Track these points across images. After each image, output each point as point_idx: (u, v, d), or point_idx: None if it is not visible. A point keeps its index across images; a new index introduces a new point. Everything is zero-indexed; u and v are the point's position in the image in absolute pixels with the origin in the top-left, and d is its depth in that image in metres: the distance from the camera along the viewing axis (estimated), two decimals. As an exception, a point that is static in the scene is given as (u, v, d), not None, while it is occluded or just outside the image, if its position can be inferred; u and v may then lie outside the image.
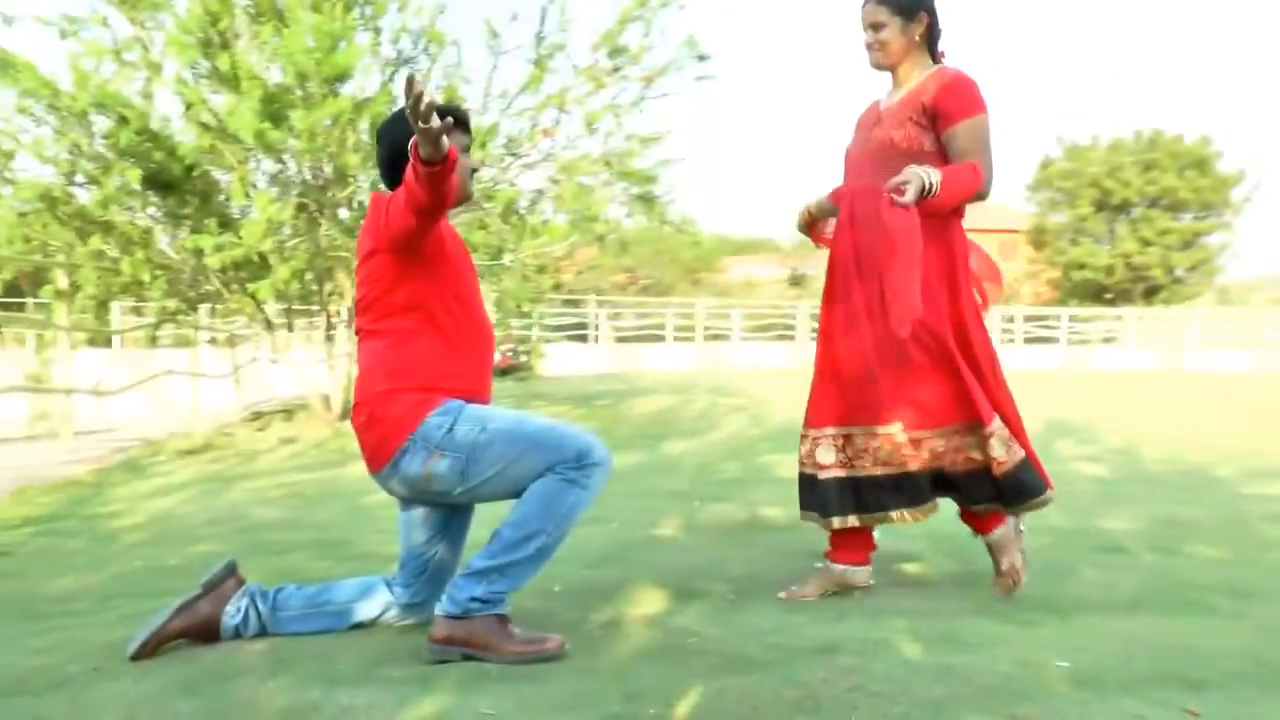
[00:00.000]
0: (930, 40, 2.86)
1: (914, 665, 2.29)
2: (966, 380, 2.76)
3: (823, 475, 2.88)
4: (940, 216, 2.76)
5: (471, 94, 8.86)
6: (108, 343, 10.89)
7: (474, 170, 2.68)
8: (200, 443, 6.97)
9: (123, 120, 6.37)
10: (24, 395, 7.49)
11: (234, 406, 9.57)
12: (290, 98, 6.34)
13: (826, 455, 2.88)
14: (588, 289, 29.75)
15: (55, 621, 2.87)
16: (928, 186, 2.61)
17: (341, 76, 6.40)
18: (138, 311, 8.74)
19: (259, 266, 6.81)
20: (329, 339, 9.12)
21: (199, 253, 6.52)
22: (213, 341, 10.04)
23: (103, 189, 6.30)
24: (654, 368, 20.04)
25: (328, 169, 6.99)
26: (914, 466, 2.80)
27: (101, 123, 6.48)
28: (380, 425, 2.47)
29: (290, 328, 8.81)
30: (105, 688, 2.25)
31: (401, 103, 2.21)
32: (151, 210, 6.94)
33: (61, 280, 7.14)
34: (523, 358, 15.12)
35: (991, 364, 2.86)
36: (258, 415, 8.73)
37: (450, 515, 2.68)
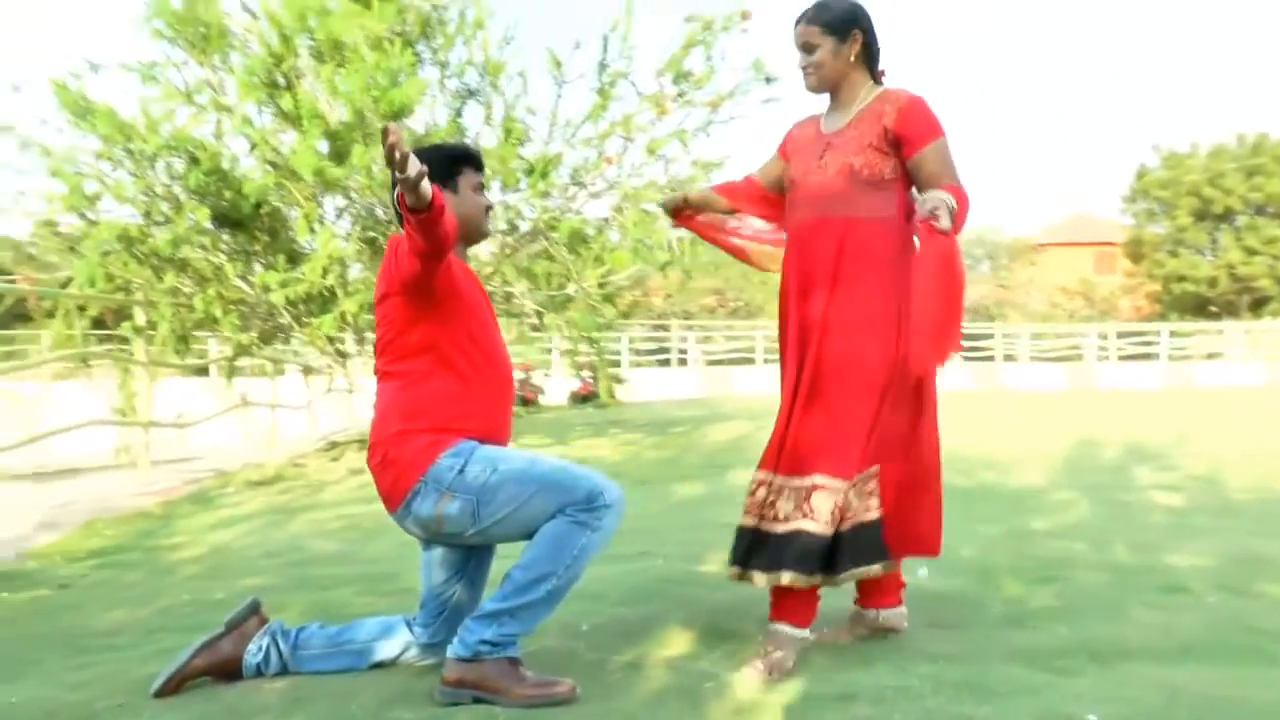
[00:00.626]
0: (868, 59, 2.73)
1: (932, 715, 2.20)
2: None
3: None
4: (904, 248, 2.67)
5: (537, 124, 8.96)
6: (205, 371, 11.24)
7: (488, 208, 2.69)
8: (271, 474, 7.13)
9: (194, 161, 6.59)
10: (111, 426, 7.80)
11: (311, 437, 9.78)
12: (351, 135, 6.49)
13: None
14: (677, 312, 29.83)
15: (97, 655, 2.94)
16: (953, 212, 2.52)
17: (400, 112, 6.52)
18: (230, 343, 9.03)
19: (325, 300, 6.96)
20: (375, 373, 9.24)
21: (267, 288, 6.70)
22: (305, 371, 10.28)
23: (174, 228, 6.52)
24: (743, 391, 19.88)
25: (381, 208, 7.13)
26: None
27: (174, 163, 6.71)
28: (394, 466, 2.48)
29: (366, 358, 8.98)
30: (126, 726, 2.29)
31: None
32: (223, 247, 7.15)
33: (140, 316, 7.41)
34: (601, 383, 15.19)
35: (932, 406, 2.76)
36: (333, 445, 8.91)
37: (468, 556, 2.68)
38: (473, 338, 2.54)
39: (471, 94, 8.52)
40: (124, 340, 7.66)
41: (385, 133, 1.98)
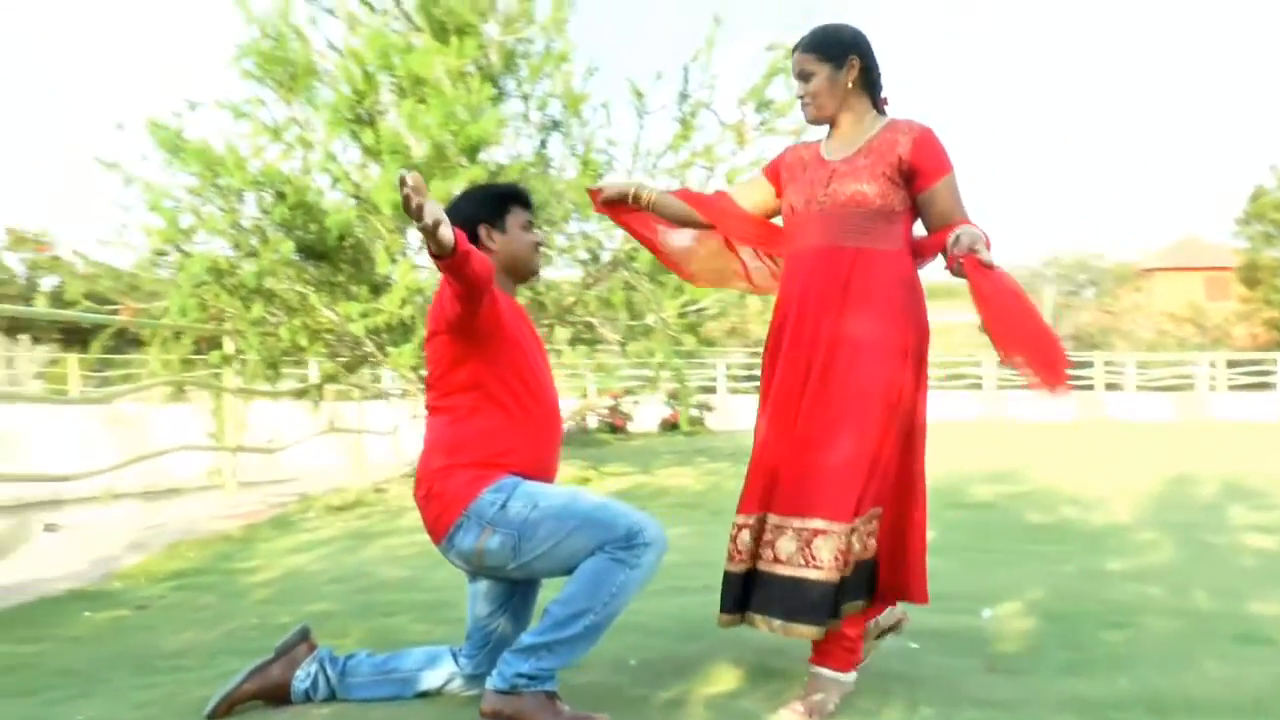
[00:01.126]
0: (868, 86, 2.64)
1: (969, 765, 2.14)
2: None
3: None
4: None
5: (620, 154, 9.05)
6: (305, 394, 11.60)
7: (538, 245, 2.72)
8: (352, 499, 7.31)
9: (280, 196, 6.84)
10: (207, 449, 8.11)
11: (396, 462, 9.99)
12: (431, 169, 6.65)
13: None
14: None
15: (162, 676, 3.04)
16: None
17: (479, 146, 6.67)
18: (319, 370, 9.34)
19: (406, 329, 7.13)
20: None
21: (349, 318, 6.90)
22: (403, 395, 10.52)
23: (259, 261, 6.77)
24: None
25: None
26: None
27: (263, 197, 6.97)
28: (437, 501, 2.53)
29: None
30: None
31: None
32: (308, 278, 7.38)
33: (229, 345, 7.70)
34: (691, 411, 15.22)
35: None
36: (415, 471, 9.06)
37: (512, 589, 2.70)
38: (519, 375, 2.56)
39: (555, 126, 8.66)
40: (217, 367, 7.96)
41: (402, 182, 2.03)
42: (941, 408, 21.48)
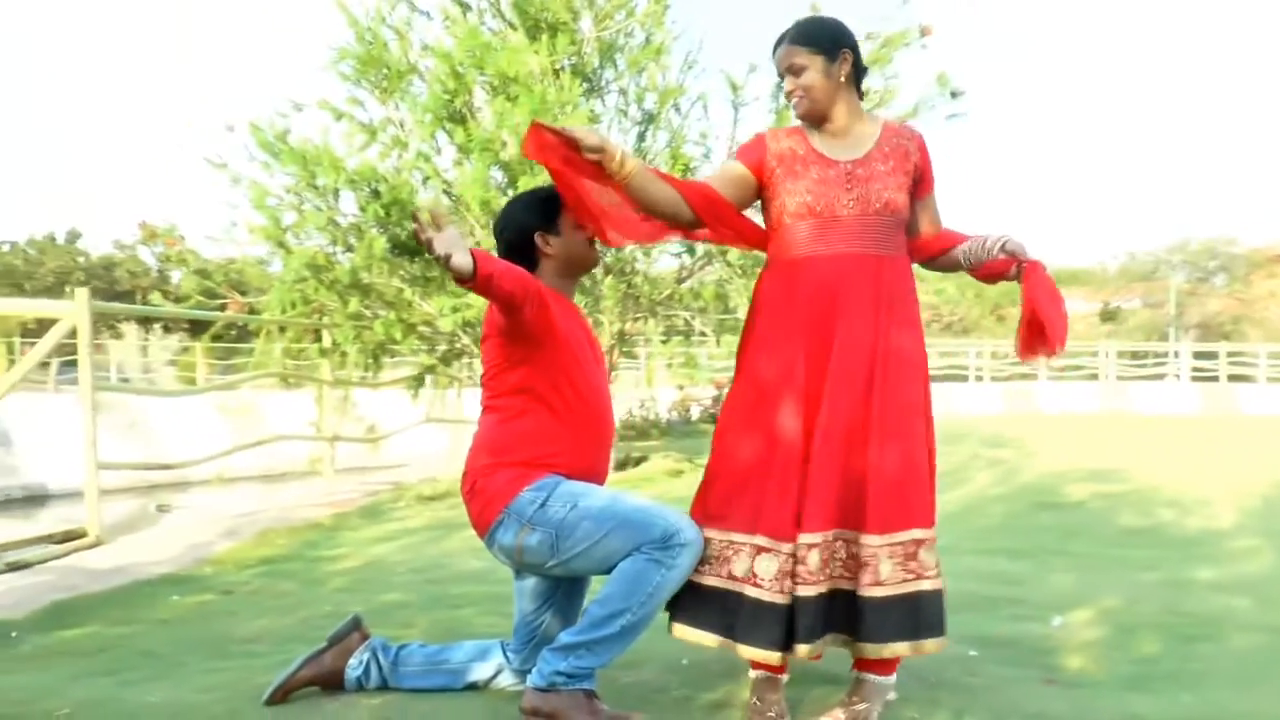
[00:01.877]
0: (858, 81, 2.53)
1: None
2: None
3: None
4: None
5: (717, 148, 9.01)
6: (413, 383, 11.92)
7: (591, 239, 2.72)
8: (443, 489, 7.48)
9: (375, 194, 7.04)
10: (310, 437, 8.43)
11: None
12: (520, 166, 6.75)
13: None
14: None
15: (233, 661, 3.18)
16: None
17: (567, 144, 6.72)
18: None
19: (495, 324, 7.26)
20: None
21: (441, 313, 7.07)
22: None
23: (354, 257, 6.99)
24: (954, 410, 19.24)
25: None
26: None
27: (358, 195, 7.20)
28: (480, 496, 2.58)
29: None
30: (231, 733, 2.49)
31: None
32: (403, 274, 7.59)
33: (327, 338, 7.98)
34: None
35: None
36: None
37: (556, 586, 2.74)
38: (569, 379, 2.59)
39: (651, 119, 8.67)
40: (318, 359, 8.25)
41: (413, 218, 2.09)
42: (1058, 400, 20.95)
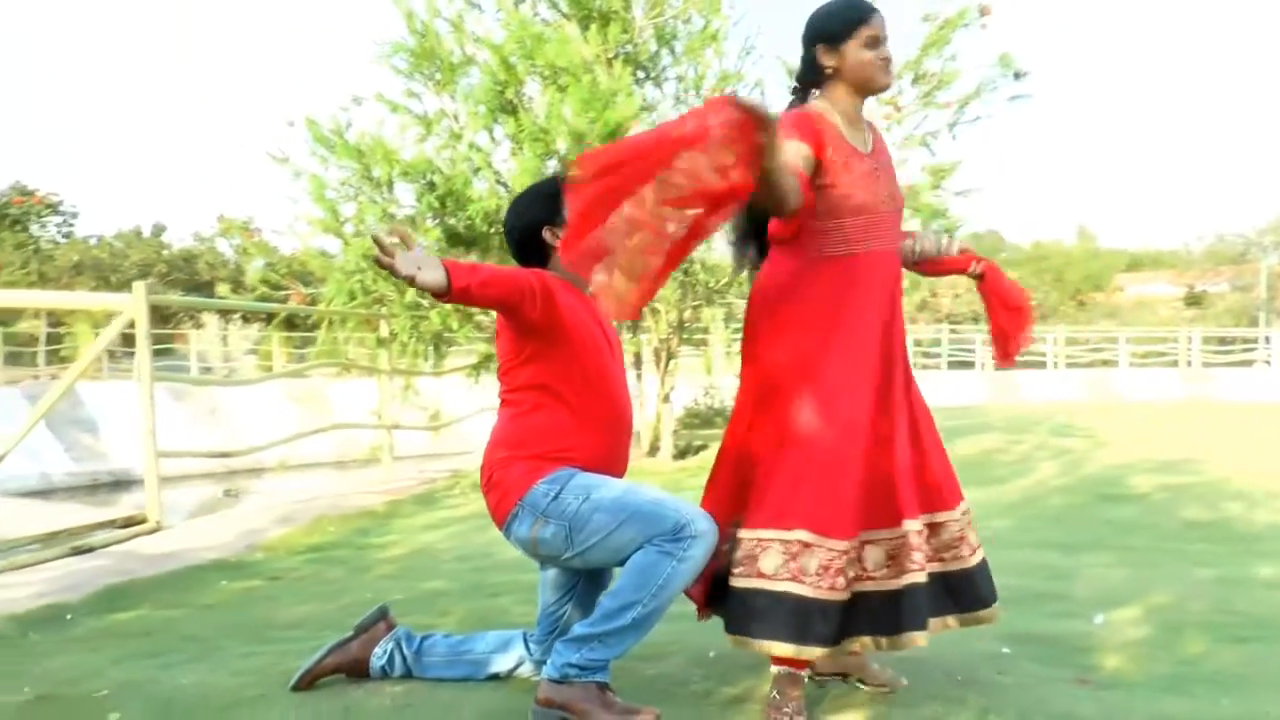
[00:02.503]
0: None
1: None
2: None
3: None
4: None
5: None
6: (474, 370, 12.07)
7: None
8: (498, 476, 7.54)
9: (430, 185, 7.12)
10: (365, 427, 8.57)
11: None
12: (571, 156, 6.76)
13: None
14: (966, 314, 28.98)
15: (269, 646, 3.25)
16: None
17: (617, 131, 6.72)
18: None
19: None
20: (638, 378, 9.55)
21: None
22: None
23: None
24: (1032, 398, 18.85)
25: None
26: None
27: (416, 187, 7.29)
28: (497, 490, 2.60)
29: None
30: (254, 715, 2.55)
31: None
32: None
33: (384, 328, 8.10)
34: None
35: None
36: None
37: (577, 577, 2.75)
38: (583, 374, 2.58)
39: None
40: (376, 348, 8.39)
41: (375, 241, 2.10)
42: (1140, 387, 20.37)
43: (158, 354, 21.80)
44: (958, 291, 28.61)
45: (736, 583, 2.40)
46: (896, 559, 2.39)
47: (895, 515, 2.40)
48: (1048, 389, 20.21)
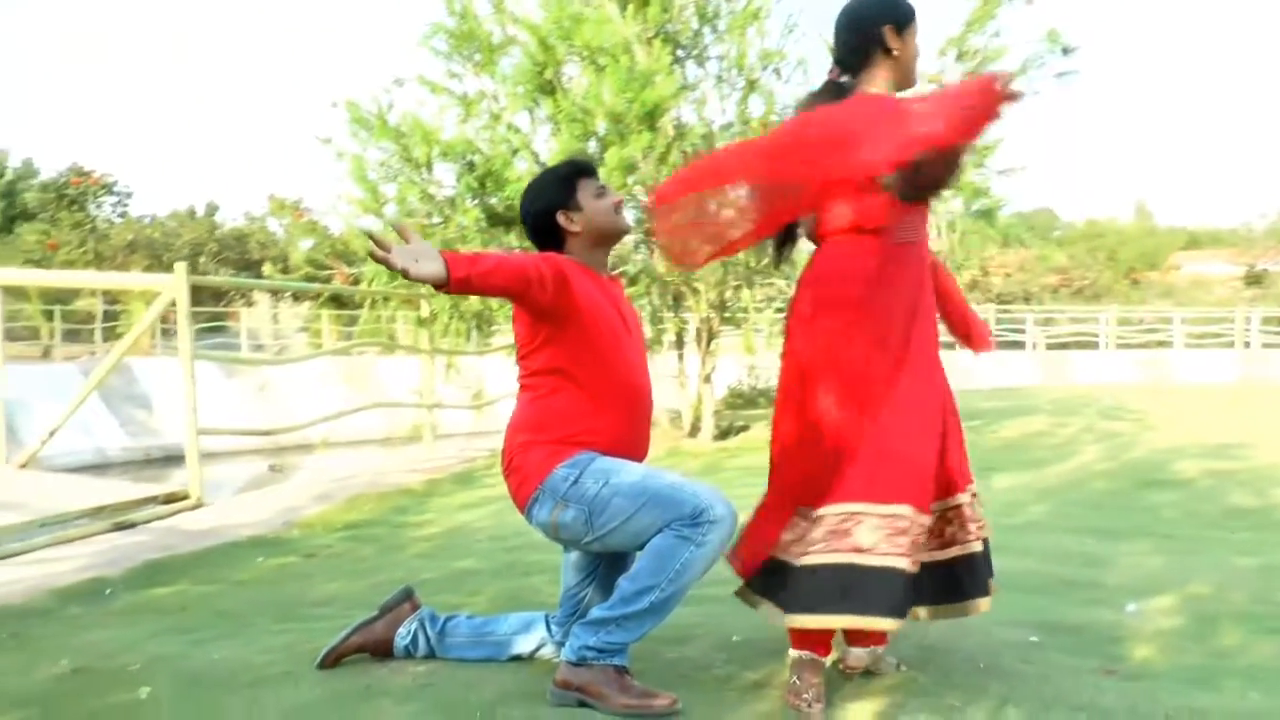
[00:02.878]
0: None
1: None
2: None
3: None
4: None
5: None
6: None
7: (617, 204, 2.71)
8: (537, 455, 7.58)
9: (469, 166, 7.15)
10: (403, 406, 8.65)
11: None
12: (610, 136, 6.75)
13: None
14: (1017, 293, 28.60)
15: (299, 624, 3.31)
16: None
17: (655, 111, 6.69)
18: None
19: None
20: (680, 357, 9.54)
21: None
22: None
23: (444, 230, 7.12)
24: (1082, 380, 18.55)
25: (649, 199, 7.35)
26: None
27: (450, 167, 7.33)
28: (517, 474, 2.61)
29: (649, 347, 9.35)
30: (280, 692, 2.59)
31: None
32: (497, 244, 7.68)
33: (425, 308, 8.16)
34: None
35: None
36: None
37: (598, 560, 2.76)
38: (600, 358, 2.57)
39: (753, 85, 8.55)
40: (421, 326, 8.46)
41: (369, 236, 2.14)
42: (1195, 369, 19.93)
43: (211, 331, 22.29)
44: (1009, 271, 28.19)
45: (817, 559, 2.35)
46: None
47: (951, 489, 2.52)
48: (1099, 370, 19.86)
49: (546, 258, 2.46)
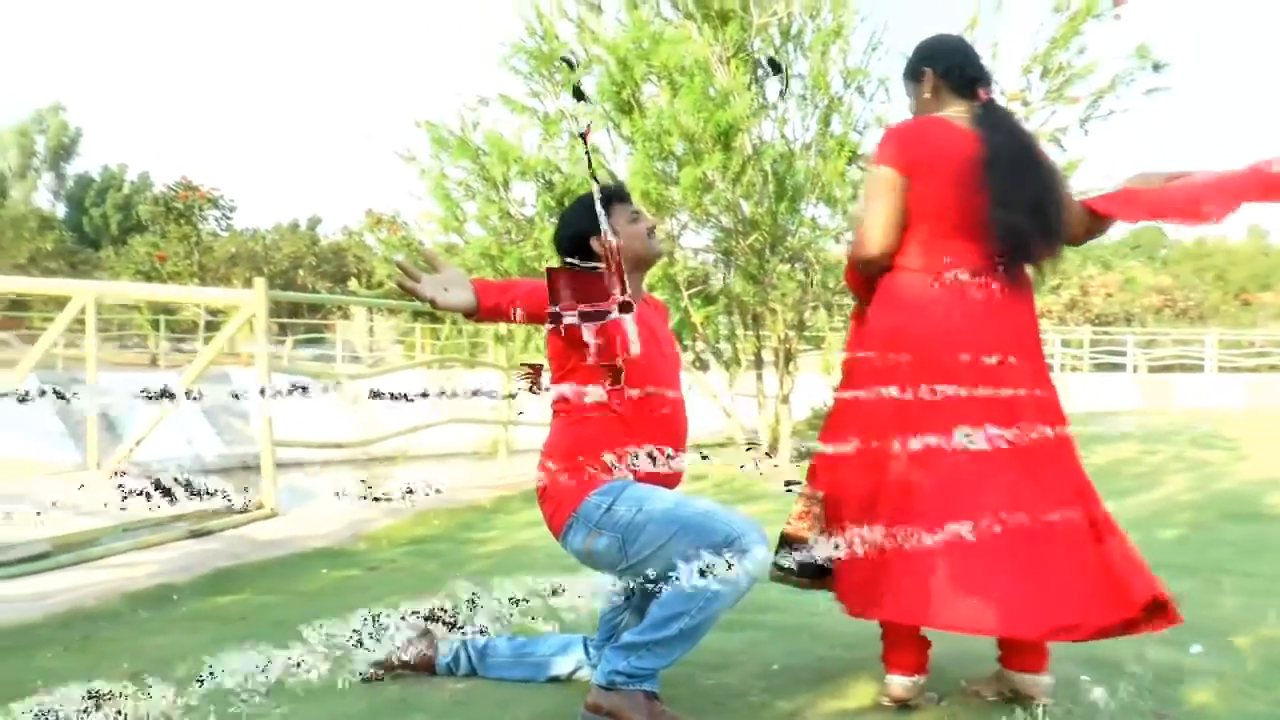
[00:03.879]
0: (956, 86, 2.59)
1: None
2: None
3: None
4: None
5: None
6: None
7: (650, 229, 2.73)
8: (609, 474, 7.62)
9: (548, 185, 7.25)
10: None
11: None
12: (685, 156, 6.78)
13: None
14: (1118, 314, 27.80)
15: (352, 635, 3.38)
16: None
17: (730, 132, 6.69)
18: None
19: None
20: (758, 378, 9.49)
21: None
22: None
23: (519, 249, 7.22)
24: (1185, 404, 17.86)
25: (726, 219, 7.36)
26: None
27: (530, 186, 7.45)
28: (551, 500, 2.65)
29: (727, 366, 9.32)
30: (323, 702, 2.65)
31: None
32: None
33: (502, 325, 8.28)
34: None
35: None
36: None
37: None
38: (632, 380, 2.59)
39: (833, 104, 8.49)
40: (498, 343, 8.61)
41: (399, 266, 2.19)
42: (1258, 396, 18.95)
43: (309, 343, 22.90)
44: (1109, 290, 27.32)
45: None
46: None
47: None
48: (1202, 394, 19.07)
49: None
